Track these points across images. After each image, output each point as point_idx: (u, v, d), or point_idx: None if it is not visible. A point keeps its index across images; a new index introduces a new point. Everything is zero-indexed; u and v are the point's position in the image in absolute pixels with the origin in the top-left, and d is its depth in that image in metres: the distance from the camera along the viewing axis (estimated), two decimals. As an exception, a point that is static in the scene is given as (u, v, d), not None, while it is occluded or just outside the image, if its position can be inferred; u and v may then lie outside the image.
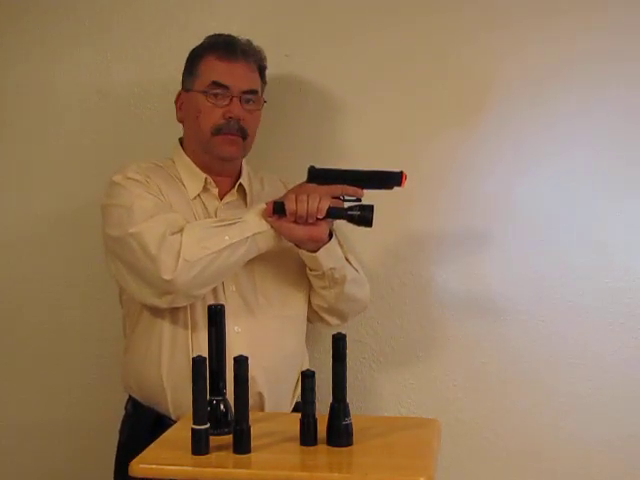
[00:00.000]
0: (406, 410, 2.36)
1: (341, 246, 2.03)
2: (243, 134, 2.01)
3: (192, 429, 1.59)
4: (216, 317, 1.71)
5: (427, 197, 2.33)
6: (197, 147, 2.04)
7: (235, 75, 2.00)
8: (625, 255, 2.27)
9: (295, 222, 1.87)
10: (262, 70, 2.08)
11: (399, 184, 1.92)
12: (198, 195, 2.03)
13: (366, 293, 2.11)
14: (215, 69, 2.01)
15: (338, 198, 1.91)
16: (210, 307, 1.72)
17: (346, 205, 1.90)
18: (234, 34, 2.05)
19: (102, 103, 2.44)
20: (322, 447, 1.63)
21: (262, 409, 1.97)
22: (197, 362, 1.58)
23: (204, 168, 2.05)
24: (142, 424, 2.00)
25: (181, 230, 1.86)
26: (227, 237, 1.86)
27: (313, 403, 1.64)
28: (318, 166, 1.95)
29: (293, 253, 1.99)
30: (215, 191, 2.05)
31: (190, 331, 1.96)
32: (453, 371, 2.34)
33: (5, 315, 2.52)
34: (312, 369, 1.65)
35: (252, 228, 1.88)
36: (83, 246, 2.46)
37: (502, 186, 2.30)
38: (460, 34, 2.29)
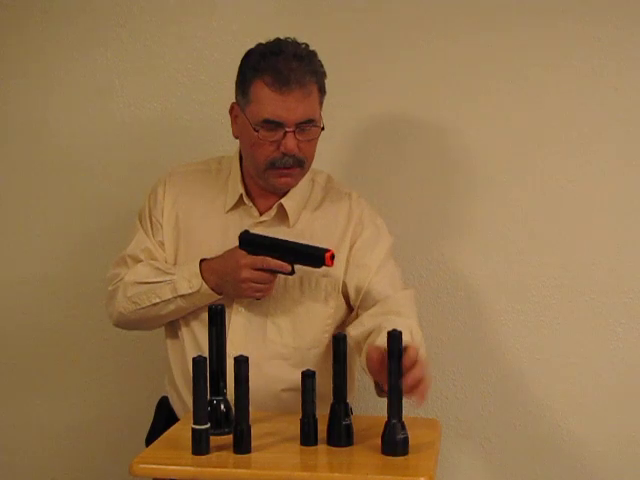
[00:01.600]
0: (406, 410, 2.36)
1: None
2: (300, 164, 1.89)
3: (192, 429, 1.59)
4: (216, 317, 1.71)
5: (427, 200, 2.33)
6: (252, 171, 1.94)
7: (288, 108, 1.83)
8: (625, 255, 2.27)
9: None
10: (321, 83, 1.90)
11: (322, 263, 1.80)
12: (234, 208, 1.96)
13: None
14: (266, 103, 1.84)
15: (265, 270, 1.85)
16: (210, 307, 1.72)
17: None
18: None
19: (102, 103, 2.44)
20: (322, 447, 1.63)
21: None
22: (197, 362, 1.59)
23: (255, 183, 1.96)
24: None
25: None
26: (154, 296, 1.92)
27: (313, 403, 1.64)
28: (252, 231, 1.88)
29: (320, 286, 1.94)
30: (252, 206, 1.96)
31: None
32: (453, 371, 2.34)
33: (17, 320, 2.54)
34: (312, 369, 1.66)
35: (177, 289, 1.90)
36: (84, 246, 2.46)
37: (501, 188, 2.31)
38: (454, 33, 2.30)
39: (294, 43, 1.89)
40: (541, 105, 2.27)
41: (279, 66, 1.83)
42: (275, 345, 1.93)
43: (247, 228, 1.89)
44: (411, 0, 2.31)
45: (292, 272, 1.84)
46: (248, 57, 1.90)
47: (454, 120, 2.31)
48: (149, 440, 2.00)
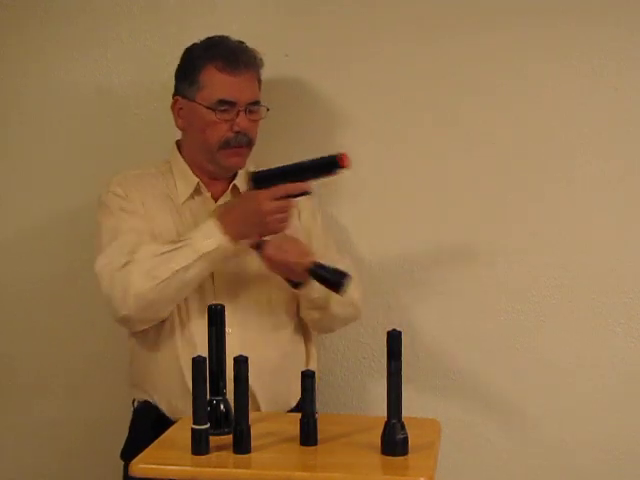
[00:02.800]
0: (406, 410, 2.36)
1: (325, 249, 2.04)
2: (249, 144, 2.03)
3: (192, 429, 1.59)
4: (216, 317, 1.71)
5: (425, 200, 2.33)
6: (201, 157, 2.05)
7: (240, 89, 2.00)
8: (625, 255, 2.27)
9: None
10: (259, 74, 2.08)
11: (340, 166, 1.82)
12: (190, 199, 2.05)
13: (349, 312, 2.08)
14: (220, 84, 2.00)
15: (289, 197, 1.87)
16: (210, 307, 1.72)
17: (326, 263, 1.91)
18: (233, 34, 2.05)
19: (102, 103, 2.44)
20: (322, 447, 1.63)
21: (256, 407, 1.97)
22: (197, 362, 1.58)
23: (203, 173, 2.06)
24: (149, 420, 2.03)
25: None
26: (175, 263, 1.87)
27: (313, 403, 1.64)
28: (259, 169, 1.91)
29: None
30: (208, 194, 2.05)
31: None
32: (453, 371, 2.34)
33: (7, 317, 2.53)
34: (312, 369, 1.66)
35: (199, 249, 1.88)
36: (82, 246, 2.46)
37: (500, 188, 2.30)
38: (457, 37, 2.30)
39: (230, 38, 2.05)
40: (541, 105, 2.27)
41: (227, 53, 2.00)
42: (257, 317, 2.01)
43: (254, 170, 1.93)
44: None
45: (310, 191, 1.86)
46: (191, 51, 2.05)
47: (453, 120, 2.31)
48: (131, 452, 1.77)
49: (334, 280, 1.89)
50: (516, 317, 2.31)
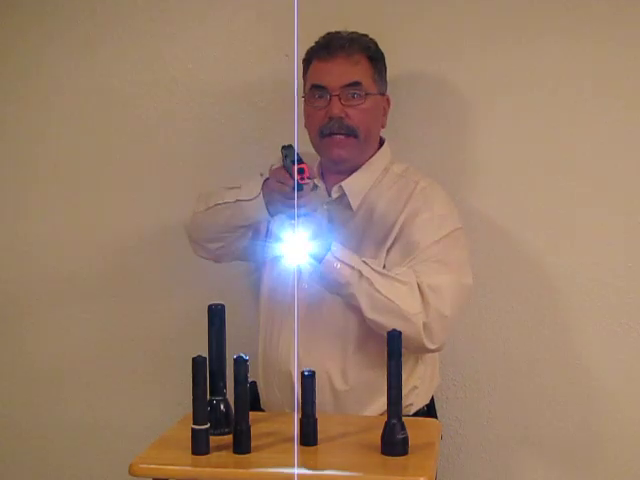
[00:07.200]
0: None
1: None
2: (352, 133, 1.94)
3: (192, 429, 1.59)
4: (216, 317, 1.71)
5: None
6: (314, 149, 2.01)
7: (332, 73, 1.94)
8: (625, 255, 2.27)
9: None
10: (375, 59, 2.00)
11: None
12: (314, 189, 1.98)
13: (407, 327, 1.78)
14: (314, 72, 1.98)
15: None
16: (210, 307, 1.72)
17: None
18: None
19: (102, 103, 2.44)
20: (322, 447, 1.63)
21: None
22: (197, 362, 1.59)
23: (325, 164, 2.03)
24: None
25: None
26: (221, 197, 1.94)
27: (313, 403, 1.64)
28: (290, 144, 1.86)
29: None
30: (322, 186, 2.00)
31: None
32: (453, 371, 2.34)
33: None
34: (312, 369, 1.66)
35: (239, 194, 1.89)
36: (82, 243, 2.47)
37: (501, 188, 2.30)
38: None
39: (340, 31, 2.02)
40: (541, 105, 2.27)
41: (323, 42, 1.99)
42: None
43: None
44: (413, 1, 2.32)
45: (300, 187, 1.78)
46: (306, 53, 2.03)
47: (453, 120, 2.31)
48: None
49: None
50: (516, 317, 2.31)
